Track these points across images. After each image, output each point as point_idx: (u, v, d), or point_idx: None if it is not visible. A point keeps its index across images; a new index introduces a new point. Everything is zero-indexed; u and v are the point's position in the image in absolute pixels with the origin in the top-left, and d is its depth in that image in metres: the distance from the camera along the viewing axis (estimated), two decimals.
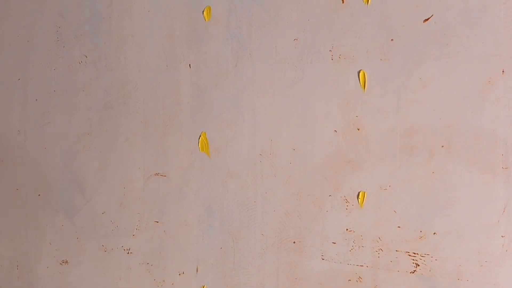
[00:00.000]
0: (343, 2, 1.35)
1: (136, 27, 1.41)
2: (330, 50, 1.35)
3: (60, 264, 1.45)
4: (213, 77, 1.39)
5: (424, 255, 1.31)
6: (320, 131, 1.36)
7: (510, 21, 1.27)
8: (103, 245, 1.43)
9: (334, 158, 1.35)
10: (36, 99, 1.45)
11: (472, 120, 1.29)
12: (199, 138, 1.39)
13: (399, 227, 1.33)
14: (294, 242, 1.37)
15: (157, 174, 1.40)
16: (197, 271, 1.40)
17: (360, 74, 1.34)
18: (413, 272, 1.32)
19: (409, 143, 1.32)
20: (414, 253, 1.32)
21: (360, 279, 1.35)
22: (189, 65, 1.39)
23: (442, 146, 1.30)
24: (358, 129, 1.34)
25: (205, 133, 1.38)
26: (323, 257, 1.36)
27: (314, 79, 1.36)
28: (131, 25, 1.42)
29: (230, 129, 1.38)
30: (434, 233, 1.31)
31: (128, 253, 1.42)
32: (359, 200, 1.34)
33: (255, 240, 1.38)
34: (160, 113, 1.40)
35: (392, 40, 1.33)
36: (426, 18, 1.31)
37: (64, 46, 1.44)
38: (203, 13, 1.39)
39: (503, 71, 1.27)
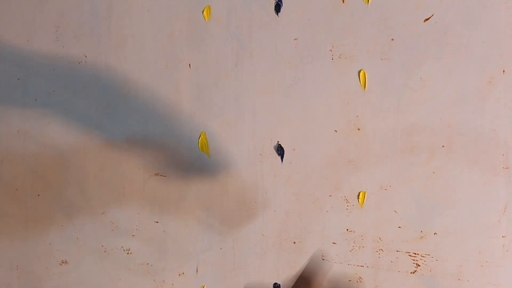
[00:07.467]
0: (343, 2, 1.35)
1: (136, 27, 1.41)
2: (330, 50, 1.35)
3: (60, 264, 1.45)
4: (213, 77, 1.38)
5: (424, 255, 1.31)
6: (320, 131, 1.35)
7: (511, 21, 1.27)
8: (102, 245, 1.43)
9: (334, 158, 1.35)
10: (36, 99, 1.44)
11: (473, 120, 1.28)
12: (199, 138, 1.38)
13: (399, 227, 1.32)
14: (294, 243, 1.36)
15: (157, 174, 1.40)
16: (197, 271, 1.39)
17: (361, 73, 1.34)
18: (413, 273, 1.32)
19: (410, 143, 1.31)
20: (415, 253, 1.31)
21: (361, 279, 1.34)
22: (189, 65, 1.39)
23: (443, 146, 1.30)
24: (359, 129, 1.34)
25: (205, 133, 1.38)
26: (323, 258, 1.36)
27: (314, 79, 1.35)
28: (131, 25, 1.42)
29: (230, 129, 1.38)
30: (434, 233, 1.30)
31: (128, 253, 1.42)
32: (360, 200, 1.34)
33: (255, 240, 1.38)
34: (160, 113, 1.40)
35: (392, 39, 1.32)
36: (427, 17, 1.31)
37: (64, 46, 1.44)
38: (203, 13, 1.39)
39: (504, 71, 1.27)
